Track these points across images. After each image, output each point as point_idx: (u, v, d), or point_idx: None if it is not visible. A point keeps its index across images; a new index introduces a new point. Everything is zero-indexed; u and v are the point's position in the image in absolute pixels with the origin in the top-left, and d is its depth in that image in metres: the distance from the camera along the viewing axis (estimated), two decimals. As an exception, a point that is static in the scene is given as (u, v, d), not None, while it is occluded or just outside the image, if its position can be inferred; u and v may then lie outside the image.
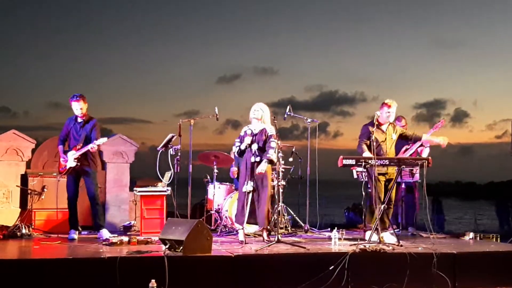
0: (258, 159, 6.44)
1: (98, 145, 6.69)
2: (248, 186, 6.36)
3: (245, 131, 6.62)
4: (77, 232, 6.75)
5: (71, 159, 6.69)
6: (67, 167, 6.72)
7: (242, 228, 6.42)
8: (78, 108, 6.75)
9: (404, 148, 7.62)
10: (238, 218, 6.55)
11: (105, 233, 6.65)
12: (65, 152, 6.78)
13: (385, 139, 6.81)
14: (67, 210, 6.90)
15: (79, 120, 6.81)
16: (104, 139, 6.73)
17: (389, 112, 6.80)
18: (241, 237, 6.40)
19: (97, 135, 6.75)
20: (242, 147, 6.53)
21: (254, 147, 6.47)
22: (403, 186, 7.80)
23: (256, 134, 6.54)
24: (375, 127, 6.56)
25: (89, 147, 6.65)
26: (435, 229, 8.14)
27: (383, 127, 6.85)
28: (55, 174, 7.34)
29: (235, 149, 6.68)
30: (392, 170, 6.71)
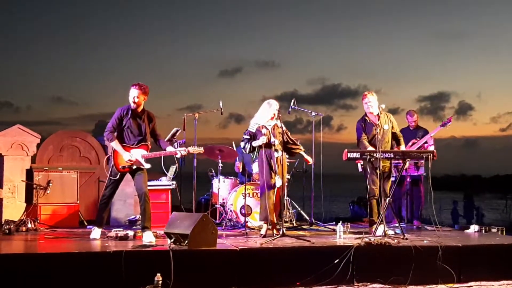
0: (280, 153, 6.40)
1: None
2: (280, 181, 6.30)
3: (257, 128, 6.45)
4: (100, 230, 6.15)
5: (139, 158, 5.97)
6: (128, 166, 5.99)
7: (266, 223, 6.39)
8: (133, 96, 5.89)
9: (411, 142, 7.60)
10: (264, 214, 6.38)
11: (148, 236, 5.86)
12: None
13: (377, 131, 6.62)
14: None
15: (134, 111, 5.97)
16: (201, 149, 6.24)
17: (366, 103, 6.75)
18: (263, 231, 6.39)
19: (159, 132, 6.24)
20: (259, 142, 6.34)
21: (276, 142, 6.38)
22: (408, 179, 7.78)
23: (273, 130, 6.45)
24: (364, 122, 6.68)
25: (183, 152, 6.12)
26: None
27: (373, 119, 6.74)
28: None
29: (244, 145, 6.50)
30: (387, 163, 6.63)
